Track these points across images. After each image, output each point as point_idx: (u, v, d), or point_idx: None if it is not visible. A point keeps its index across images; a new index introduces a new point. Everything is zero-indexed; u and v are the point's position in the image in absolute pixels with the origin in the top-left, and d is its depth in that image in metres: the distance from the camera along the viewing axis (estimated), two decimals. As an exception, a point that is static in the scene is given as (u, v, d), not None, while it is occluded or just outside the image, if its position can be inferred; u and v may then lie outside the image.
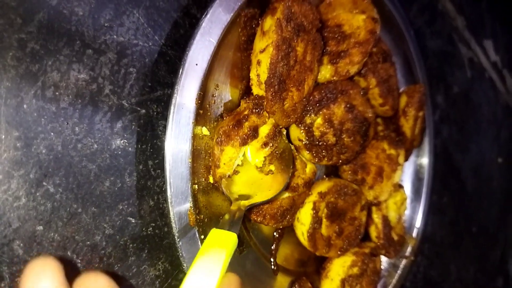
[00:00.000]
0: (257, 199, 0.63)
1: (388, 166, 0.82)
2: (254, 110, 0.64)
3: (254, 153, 0.65)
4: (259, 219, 0.68)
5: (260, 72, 0.62)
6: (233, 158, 0.62)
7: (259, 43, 0.64)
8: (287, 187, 0.68)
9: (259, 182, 0.65)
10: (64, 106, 0.52)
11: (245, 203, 0.62)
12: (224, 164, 0.62)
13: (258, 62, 0.63)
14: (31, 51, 0.50)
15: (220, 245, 0.50)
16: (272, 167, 0.65)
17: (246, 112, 0.63)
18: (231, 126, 0.62)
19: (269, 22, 0.63)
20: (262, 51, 0.62)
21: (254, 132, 0.63)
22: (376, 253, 0.80)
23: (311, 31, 0.68)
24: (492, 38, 1.26)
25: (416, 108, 0.85)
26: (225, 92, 0.65)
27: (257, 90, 0.64)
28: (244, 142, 0.63)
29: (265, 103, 0.63)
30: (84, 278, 0.39)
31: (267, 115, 0.65)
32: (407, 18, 0.90)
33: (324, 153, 0.73)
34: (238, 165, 0.65)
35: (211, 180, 0.63)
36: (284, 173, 0.66)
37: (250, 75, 0.64)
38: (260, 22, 0.67)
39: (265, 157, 0.65)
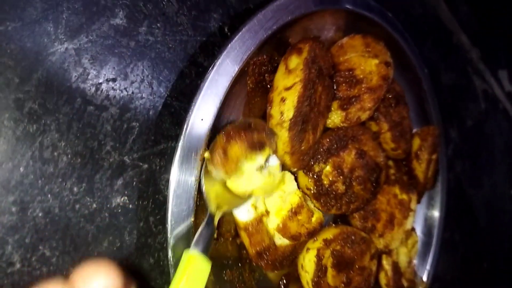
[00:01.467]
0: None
1: (400, 212, 0.79)
2: (267, 132, 0.61)
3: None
4: (261, 264, 0.65)
5: (284, 109, 0.60)
6: (240, 159, 0.58)
7: (284, 81, 0.62)
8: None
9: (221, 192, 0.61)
10: (62, 166, 0.50)
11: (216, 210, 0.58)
12: (231, 158, 0.58)
13: (283, 100, 0.61)
14: (28, 111, 0.48)
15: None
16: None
17: (258, 128, 0.60)
18: (240, 125, 0.59)
19: (295, 61, 0.62)
20: (287, 89, 0.60)
21: (260, 146, 0.60)
22: (385, 305, 0.77)
23: (326, 77, 0.66)
24: (507, 68, 1.22)
25: (429, 152, 0.82)
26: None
27: (278, 130, 0.61)
28: (251, 147, 0.58)
29: (281, 143, 0.62)
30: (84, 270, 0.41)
31: (276, 143, 0.62)
32: (421, 57, 0.86)
33: (333, 203, 0.70)
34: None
35: (214, 235, 0.60)
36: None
37: (272, 112, 0.62)
38: (270, 66, 0.65)
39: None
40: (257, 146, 0.60)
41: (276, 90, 0.63)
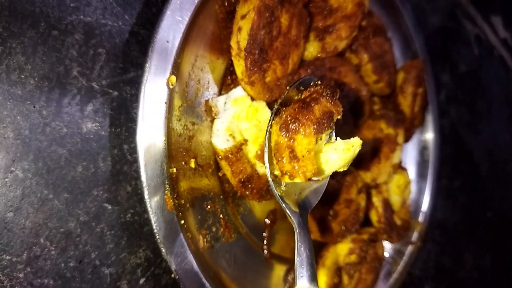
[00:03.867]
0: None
1: (386, 146, 0.78)
2: (325, 93, 0.54)
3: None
4: (246, 193, 0.65)
5: (240, 39, 0.59)
6: (311, 150, 0.52)
7: (241, 10, 0.61)
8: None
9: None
10: (30, 89, 0.51)
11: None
12: (304, 156, 0.52)
13: (239, 29, 0.60)
14: (-8, 33, 0.48)
15: None
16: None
17: (314, 95, 0.54)
18: (296, 109, 0.53)
19: None
20: (243, 17, 0.59)
21: (329, 119, 0.52)
22: (375, 239, 0.76)
23: (297, 5, 0.65)
24: (501, 13, 1.19)
25: (414, 85, 0.81)
26: (205, 70, 0.63)
27: (237, 60, 0.61)
28: (319, 129, 0.52)
29: (240, 73, 0.61)
30: None
31: (339, 104, 0.54)
32: (402, -7, 0.85)
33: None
34: None
35: (192, 165, 0.61)
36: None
37: (231, 43, 0.61)
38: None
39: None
40: (325, 122, 0.53)
41: (235, 20, 0.62)
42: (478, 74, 1.15)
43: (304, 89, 0.58)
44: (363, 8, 0.70)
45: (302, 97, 0.57)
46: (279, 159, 0.53)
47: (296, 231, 0.53)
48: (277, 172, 0.55)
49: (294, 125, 0.52)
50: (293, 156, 0.52)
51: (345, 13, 0.70)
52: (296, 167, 0.53)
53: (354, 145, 0.54)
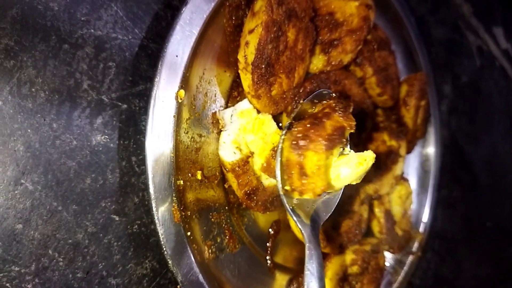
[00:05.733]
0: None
1: (389, 158, 0.78)
2: (337, 108, 0.54)
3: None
4: (251, 205, 0.65)
5: (247, 53, 0.60)
6: (321, 166, 0.53)
7: (248, 24, 0.62)
8: None
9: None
10: (40, 102, 0.51)
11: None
12: (313, 172, 0.52)
13: (246, 43, 0.60)
14: (5, 48, 0.49)
15: None
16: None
17: (327, 110, 0.55)
18: (308, 125, 0.53)
19: (259, 3, 0.61)
20: (251, 32, 0.60)
21: (340, 135, 0.53)
22: (377, 250, 0.77)
23: (304, 19, 0.66)
24: (502, 25, 1.21)
25: (417, 97, 0.81)
26: (212, 83, 0.63)
27: (244, 74, 0.61)
28: (330, 145, 0.52)
29: (246, 87, 0.61)
30: None
31: (352, 118, 0.54)
32: (407, 5, 0.86)
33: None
34: None
35: (198, 176, 0.61)
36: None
37: (238, 57, 0.62)
38: (247, 10, 0.65)
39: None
40: (337, 138, 0.53)
41: (243, 34, 0.63)
42: (479, 84, 1.16)
43: (318, 101, 0.59)
44: (369, 22, 0.71)
45: (316, 110, 0.58)
46: (289, 175, 0.53)
47: (306, 244, 0.54)
48: (287, 187, 0.55)
49: (304, 142, 0.53)
50: (303, 173, 0.53)
51: (350, 27, 0.70)
52: (305, 184, 0.53)
53: (367, 158, 0.54)
